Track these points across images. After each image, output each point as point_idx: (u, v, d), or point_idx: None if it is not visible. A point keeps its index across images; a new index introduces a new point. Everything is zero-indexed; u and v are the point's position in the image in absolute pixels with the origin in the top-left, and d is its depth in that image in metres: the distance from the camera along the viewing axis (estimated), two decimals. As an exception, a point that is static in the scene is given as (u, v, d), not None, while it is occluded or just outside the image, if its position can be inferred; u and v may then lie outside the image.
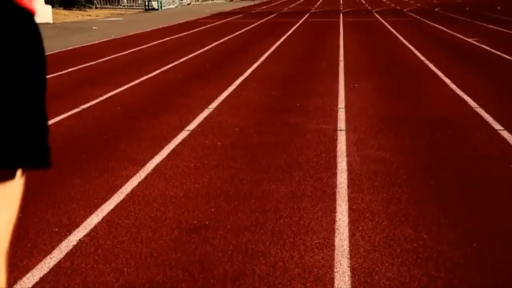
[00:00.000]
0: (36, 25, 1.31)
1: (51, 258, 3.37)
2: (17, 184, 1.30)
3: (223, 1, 55.48)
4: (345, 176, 4.73)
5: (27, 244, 3.56)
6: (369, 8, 36.60)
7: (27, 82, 1.28)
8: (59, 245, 3.53)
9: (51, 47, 15.00)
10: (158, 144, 5.72)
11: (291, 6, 42.73)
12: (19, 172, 1.28)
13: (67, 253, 3.42)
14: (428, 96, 8.06)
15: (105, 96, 8.23)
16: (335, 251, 3.41)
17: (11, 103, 1.24)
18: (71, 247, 3.51)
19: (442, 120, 6.65)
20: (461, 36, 16.37)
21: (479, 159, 5.19)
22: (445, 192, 4.37)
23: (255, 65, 11.37)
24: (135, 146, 5.62)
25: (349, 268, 3.22)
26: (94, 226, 3.80)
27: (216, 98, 8.04)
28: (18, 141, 1.25)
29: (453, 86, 8.70)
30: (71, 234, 3.68)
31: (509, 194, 4.33)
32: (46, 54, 1.36)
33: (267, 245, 3.50)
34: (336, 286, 3.04)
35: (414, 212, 3.97)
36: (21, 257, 3.39)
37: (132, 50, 14.00)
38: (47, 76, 1.37)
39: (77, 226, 3.80)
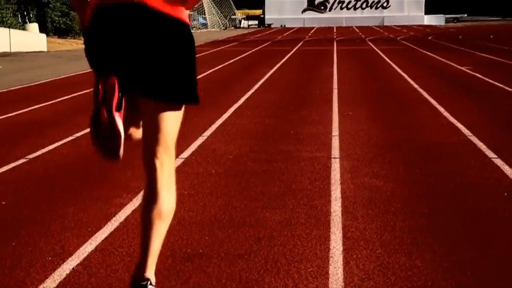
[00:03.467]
0: (191, 33, 2.73)
1: None
2: (182, 111, 2.84)
3: (217, 29, 55.79)
4: (339, 204, 4.73)
5: (19, 273, 3.54)
6: (363, 36, 36.85)
7: (189, 63, 2.74)
8: (52, 274, 3.51)
9: (45, 75, 15.04)
10: (152, 172, 5.70)
11: (285, 34, 43.01)
12: (183, 106, 2.80)
13: (60, 282, 3.40)
14: (421, 124, 8.09)
15: (99, 124, 8.21)
16: (329, 279, 3.40)
17: (186, 76, 2.74)
18: (64, 276, 3.49)
19: (436, 148, 6.67)
20: (454, 65, 16.48)
21: (473, 187, 5.20)
22: (439, 220, 4.37)
23: (249, 93, 11.42)
24: (129, 174, 5.61)
25: (343, 297, 3.20)
26: (88, 255, 3.79)
27: (210, 126, 8.05)
28: (187, 91, 2.79)
29: (446, 114, 8.73)
30: (64, 263, 3.66)
31: (503, 222, 4.34)
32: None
33: (261, 273, 3.49)
34: (331, 315, 3.03)
35: (409, 240, 3.97)
36: (14, 286, 3.37)
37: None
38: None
39: (71, 255, 3.78)
